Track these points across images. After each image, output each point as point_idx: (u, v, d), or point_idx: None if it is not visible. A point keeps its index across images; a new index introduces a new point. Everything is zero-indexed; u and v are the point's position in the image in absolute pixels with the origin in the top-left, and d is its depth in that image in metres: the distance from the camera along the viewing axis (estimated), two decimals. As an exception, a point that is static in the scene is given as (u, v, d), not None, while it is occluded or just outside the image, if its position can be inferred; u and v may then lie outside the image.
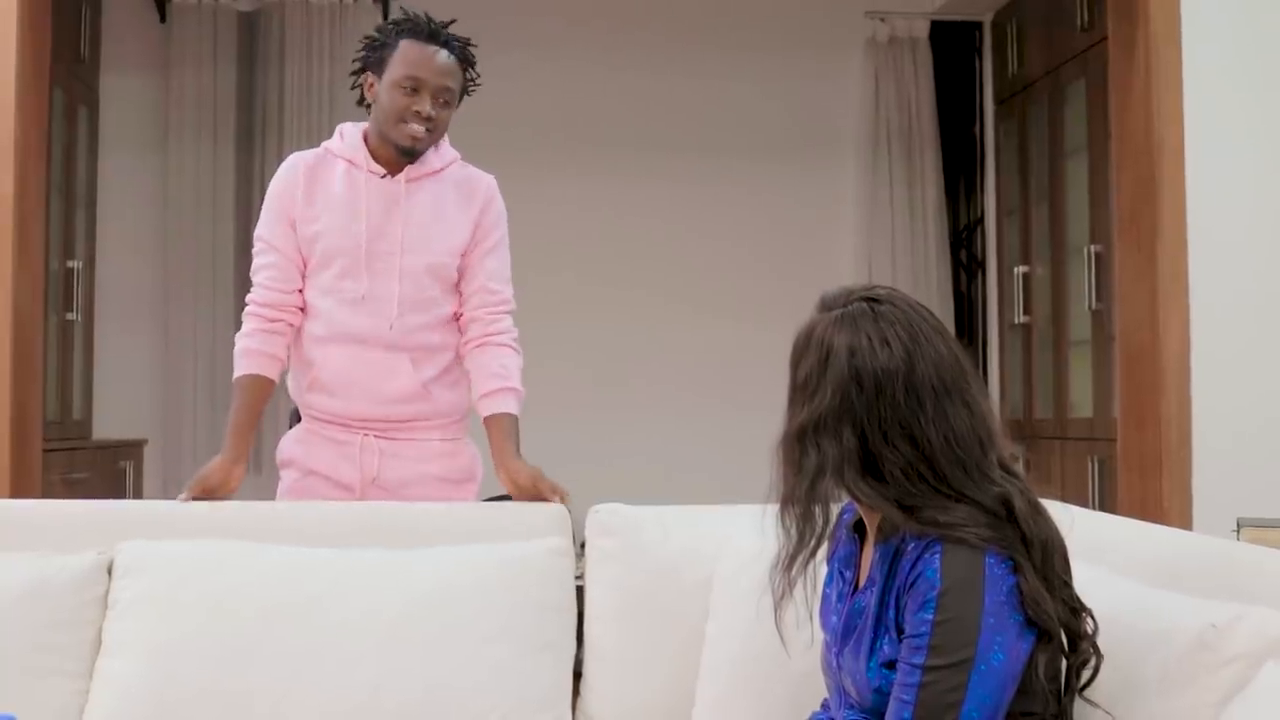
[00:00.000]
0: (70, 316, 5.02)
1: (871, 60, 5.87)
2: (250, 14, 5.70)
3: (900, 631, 1.63)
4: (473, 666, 2.22)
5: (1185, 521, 3.62)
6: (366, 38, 2.72)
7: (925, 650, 1.56)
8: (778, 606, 1.79)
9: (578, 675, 2.35)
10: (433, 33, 2.64)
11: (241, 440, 2.63)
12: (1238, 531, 3.01)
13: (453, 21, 2.70)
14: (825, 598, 1.84)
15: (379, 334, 2.65)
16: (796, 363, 1.73)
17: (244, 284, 5.42)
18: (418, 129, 2.61)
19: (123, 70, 5.57)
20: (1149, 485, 3.79)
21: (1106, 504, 4.33)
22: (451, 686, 2.20)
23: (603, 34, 5.78)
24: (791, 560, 1.76)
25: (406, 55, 2.62)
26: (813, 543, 1.74)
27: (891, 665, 1.63)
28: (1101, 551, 1.96)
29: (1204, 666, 1.56)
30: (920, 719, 1.55)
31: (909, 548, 1.64)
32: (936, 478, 1.63)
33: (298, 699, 2.17)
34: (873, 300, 1.71)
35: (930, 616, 1.57)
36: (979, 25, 5.95)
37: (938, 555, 1.59)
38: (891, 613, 1.66)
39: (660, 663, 2.28)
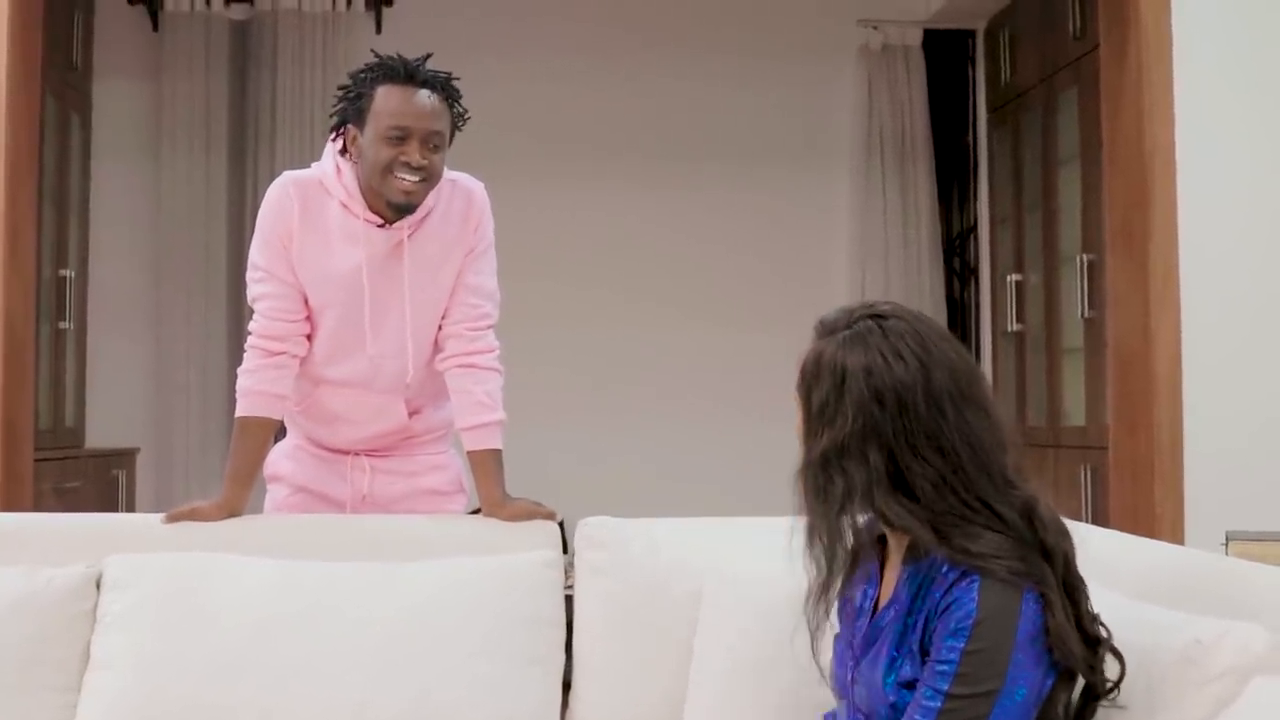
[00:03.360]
0: (63, 325, 5.01)
1: (865, 68, 5.86)
2: (243, 22, 5.69)
3: (925, 654, 1.62)
4: (462, 679, 2.22)
5: (1177, 529, 3.62)
6: (341, 88, 2.51)
7: (952, 678, 1.56)
8: (814, 638, 1.78)
9: (567, 688, 2.34)
10: (410, 73, 2.43)
11: (241, 489, 2.51)
12: (1226, 545, 3.01)
13: (429, 56, 2.50)
14: (842, 608, 1.83)
15: (378, 384, 2.60)
16: (808, 391, 1.71)
17: (237, 292, 5.46)
18: (409, 180, 2.41)
19: (115, 78, 5.55)
20: (1141, 493, 3.79)
21: (1099, 512, 4.33)
22: (441, 699, 2.20)
23: (596, 41, 5.77)
24: (824, 590, 1.74)
25: (387, 103, 2.41)
26: (842, 571, 1.74)
27: (911, 685, 1.62)
28: (1089, 565, 1.95)
29: (1190, 683, 1.56)
30: None
31: (942, 571, 1.63)
32: (965, 488, 1.62)
33: (286, 713, 2.17)
34: (877, 316, 1.70)
35: (962, 645, 1.56)
36: (972, 33, 5.94)
37: (975, 585, 1.58)
38: (916, 635, 1.65)
39: (649, 676, 2.28)
